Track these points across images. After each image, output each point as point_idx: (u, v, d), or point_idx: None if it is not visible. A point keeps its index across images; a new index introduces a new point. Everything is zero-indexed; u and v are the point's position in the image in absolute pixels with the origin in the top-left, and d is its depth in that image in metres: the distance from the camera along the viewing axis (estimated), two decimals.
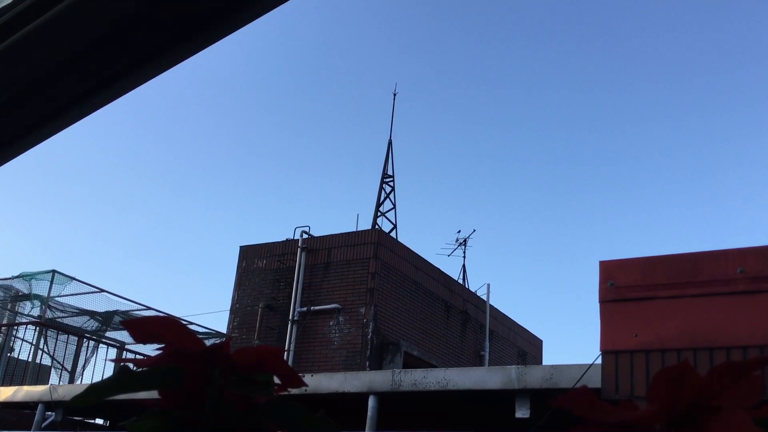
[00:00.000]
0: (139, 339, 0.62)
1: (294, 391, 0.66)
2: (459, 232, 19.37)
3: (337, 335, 13.72)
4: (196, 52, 1.34)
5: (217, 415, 0.62)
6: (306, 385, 0.64)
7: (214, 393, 0.62)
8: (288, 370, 0.64)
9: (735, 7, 34.26)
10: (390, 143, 17.62)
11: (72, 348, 14.00)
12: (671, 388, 0.41)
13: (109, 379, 0.56)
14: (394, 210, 17.32)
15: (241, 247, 15.80)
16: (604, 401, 0.42)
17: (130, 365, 0.63)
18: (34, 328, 13.77)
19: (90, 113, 1.47)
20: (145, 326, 0.62)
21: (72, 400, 0.55)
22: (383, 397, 6.74)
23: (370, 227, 16.06)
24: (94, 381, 13.02)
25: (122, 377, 0.57)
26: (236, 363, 0.63)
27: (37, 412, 9.15)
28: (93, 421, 11.71)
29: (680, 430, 0.42)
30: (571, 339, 37.23)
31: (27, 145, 1.55)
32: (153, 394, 0.64)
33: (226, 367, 0.63)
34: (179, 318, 13.96)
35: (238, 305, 15.18)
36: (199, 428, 0.62)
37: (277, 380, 0.65)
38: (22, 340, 13.70)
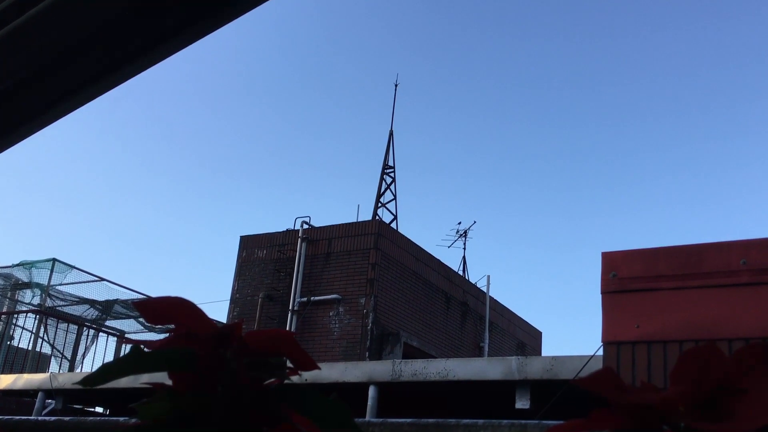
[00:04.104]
0: (151, 320, 0.61)
1: (294, 380, 0.66)
2: (459, 223, 19.41)
3: (337, 326, 13.73)
4: (198, 39, 1.33)
5: (230, 398, 0.62)
6: (319, 368, 0.64)
7: (226, 375, 0.62)
8: (300, 353, 0.63)
9: (741, 2, 34.17)
10: (391, 134, 17.61)
11: (72, 336, 14.02)
12: (696, 370, 0.41)
13: (122, 359, 0.56)
14: (394, 201, 17.33)
15: (241, 237, 15.81)
16: (627, 384, 0.42)
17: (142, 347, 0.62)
18: (34, 316, 13.78)
19: (89, 101, 1.47)
20: (157, 307, 0.61)
21: (84, 380, 0.55)
22: (383, 387, 6.75)
23: (370, 218, 16.06)
24: (95, 370, 13.08)
25: (135, 358, 0.56)
26: (249, 346, 0.63)
27: (38, 400, 9.17)
28: (93, 409, 11.73)
29: (706, 411, 0.41)
30: (569, 331, 37.30)
31: (27, 133, 1.54)
32: (154, 378, 0.63)
33: (239, 350, 0.62)
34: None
35: (238, 295, 15.19)
36: (211, 411, 0.62)
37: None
38: (23, 328, 13.72)
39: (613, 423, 0.43)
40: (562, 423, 0.44)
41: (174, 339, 0.63)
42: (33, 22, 1.26)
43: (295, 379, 0.66)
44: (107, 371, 0.55)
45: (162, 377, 0.63)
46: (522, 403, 5.95)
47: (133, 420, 0.60)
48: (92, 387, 0.52)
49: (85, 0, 1.25)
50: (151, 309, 0.61)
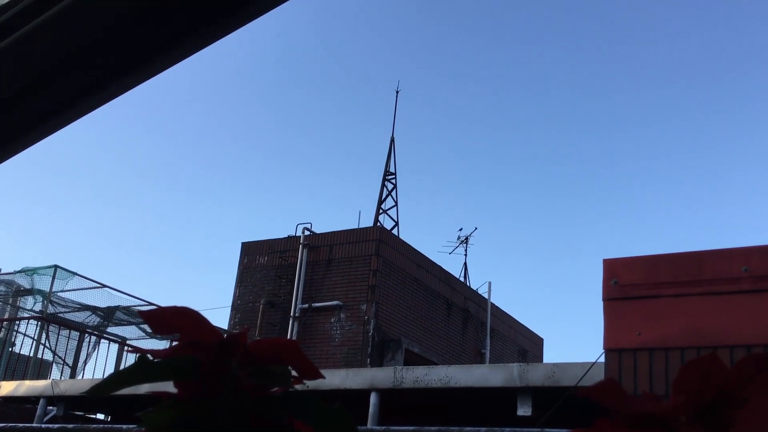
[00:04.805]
0: (157, 330, 0.62)
1: (296, 387, 0.66)
2: (461, 229, 19.40)
3: (338, 332, 13.73)
4: (201, 48, 1.34)
5: (233, 406, 0.62)
6: (323, 377, 0.64)
7: (230, 384, 0.62)
8: (305, 362, 0.64)
9: (738, 5, 34.24)
10: (392, 141, 17.64)
11: (73, 343, 14.02)
12: (698, 380, 0.41)
13: (128, 368, 0.56)
14: (396, 207, 17.34)
15: (242, 243, 15.82)
16: (630, 394, 0.42)
17: (148, 356, 0.63)
18: (35, 323, 13.79)
19: (92, 110, 1.47)
20: (162, 317, 0.62)
21: (91, 389, 0.55)
22: (385, 393, 6.75)
23: (371, 224, 16.07)
24: (96, 377, 12.97)
25: (142, 367, 0.57)
26: (253, 354, 0.63)
27: (39, 407, 9.17)
28: (94, 415, 11.73)
29: (707, 421, 0.42)
30: (571, 338, 37.25)
31: (29, 142, 1.55)
32: (157, 386, 0.64)
33: (243, 359, 0.63)
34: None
35: (239, 302, 15.19)
36: (215, 419, 0.62)
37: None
38: (24, 335, 13.72)
39: None
40: None
41: (179, 348, 0.64)
42: (36, 30, 1.27)
43: (297, 386, 0.66)
44: (115, 380, 0.55)
45: (164, 385, 0.64)
46: (523, 410, 5.94)
47: (136, 427, 0.61)
48: (100, 396, 0.53)
49: (87, 8, 1.26)
50: (157, 319, 0.62)
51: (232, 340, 0.63)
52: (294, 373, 0.65)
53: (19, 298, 15.65)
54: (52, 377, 12.39)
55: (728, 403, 0.42)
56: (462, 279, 18.24)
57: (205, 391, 0.63)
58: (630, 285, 3.56)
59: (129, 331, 15.68)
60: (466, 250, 19.14)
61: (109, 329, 15.58)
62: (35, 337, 13.63)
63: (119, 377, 0.56)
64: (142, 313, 0.71)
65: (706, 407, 0.42)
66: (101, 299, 15.26)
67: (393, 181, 17.50)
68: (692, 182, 37.28)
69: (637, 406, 0.42)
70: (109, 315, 15.23)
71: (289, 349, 0.64)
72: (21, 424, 6.44)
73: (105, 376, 0.58)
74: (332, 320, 13.87)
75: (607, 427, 0.44)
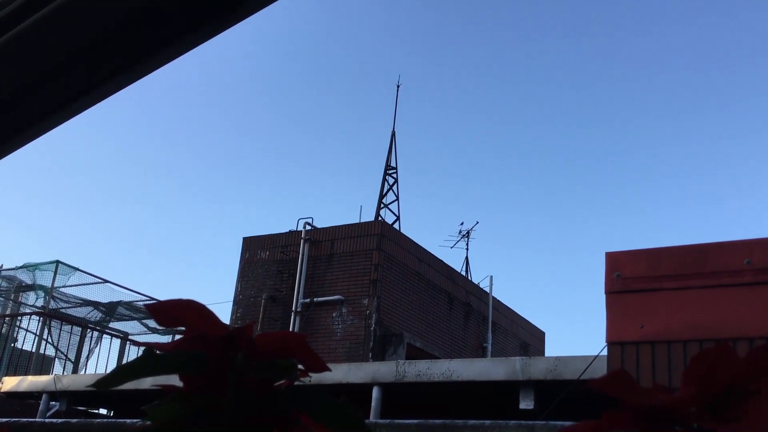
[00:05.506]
0: (162, 323, 0.62)
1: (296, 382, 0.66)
2: (462, 224, 19.39)
3: (340, 327, 13.74)
4: (200, 44, 1.33)
5: (239, 400, 0.62)
6: (330, 370, 0.64)
7: (236, 377, 0.62)
8: (311, 356, 0.64)
9: (738, 1, 34.16)
10: (393, 135, 17.62)
11: (75, 338, 14.03)
12: (709, 371, 0.41)
13: (135, 361, 0.56)
14: (397, 202, 17.33)
15: (244, 238, 15.81)
16: (640, 385, 0.42)
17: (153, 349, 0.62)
18: (37, 318, 13.80)
19: (92, 105, 1.47)
20: (168, 310, 0.62)
21: (98, 382, 0.55)
22: (387, 387, 6.76)
23: (373, 219, 16.06)
24: (98, 372, 12.98)
25: (148, 360, 0.56)
26: (259, 348, 0.63)
27: (42, 402, 9.19)
28: (97, 410, 11.75)
29: (717, 412, 0.41)
30: (573, 332, 37.27)
31: (30, 137, 1.54)
32: (159, 380, 0.63)
33: (249, 352, 0.62)
34: None
35: (241, 296, 15.20)
36: (221, 413, 0.62)
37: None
38: (26, 330, 13.74)
39: (625, 424, 0.43)
40: (575, 424, 0.45)
41: (185, 341, 0.64)
42: (35, 27, 1.27)
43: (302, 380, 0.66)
44: (121, 374, 0.55)
45: (167, 379, 0.63)
46: (526, 404, 5.95)
47: (140, 422, 0.60)
48: (106, 389, 0.53)
49: (84, 6, 1.25)
50: (163, 312, 0.61)
51: (238, 333, 0.62)
52: (300, 366, 0.65)
53: (21, 294, 15.66)
54: (54, 373, 12.42)
55: (738, 394, 0.42)
56: (464, 273, 18.25)
57: (210, 385, 0.62)
58: (632, 278, 3.55)
59: (131, 327, 15.70)
60: (467, 244, 19.16)
61: (111, 324, 15.59)
62: (37, 333, 13.64)
63: (125, 370, 0.55)
64: (147, 306, 0.71)
65: (716, 399, 0.42)
66: (103, 294, 15.28)
67: (394, 175, 17.49)
68: (694, 175, 37.26)
69: (647, 398, 0.42)
70: (111, 310, 15.24)
71: (296, 343, 0.63)
72: (24, 420, 6.45)
73: (110, 370, 0.57)
74: (334, 315, 13.88)
75: (615, 419, 0.44)
